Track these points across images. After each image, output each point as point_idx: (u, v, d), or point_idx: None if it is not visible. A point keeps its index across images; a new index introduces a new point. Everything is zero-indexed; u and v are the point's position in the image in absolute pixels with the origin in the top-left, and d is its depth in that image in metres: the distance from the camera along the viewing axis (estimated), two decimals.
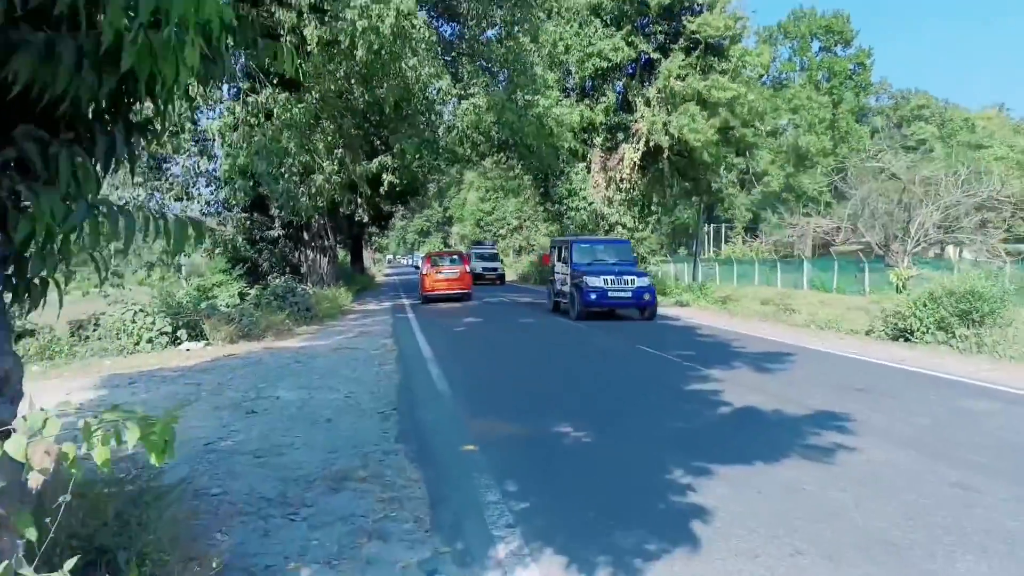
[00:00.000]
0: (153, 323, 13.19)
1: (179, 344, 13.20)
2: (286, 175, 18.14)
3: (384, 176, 18.68)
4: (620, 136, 30.69)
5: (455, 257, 26.58)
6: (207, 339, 13.53)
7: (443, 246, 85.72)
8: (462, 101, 19.04)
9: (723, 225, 61.21)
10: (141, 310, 13.52)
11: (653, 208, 34.46)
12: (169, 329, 13.24)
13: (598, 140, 30.62)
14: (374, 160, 18.72)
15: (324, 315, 18.09)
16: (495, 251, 45.26)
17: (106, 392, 8.85)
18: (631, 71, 30.93)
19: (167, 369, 10.60)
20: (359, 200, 19.80)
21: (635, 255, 22.47)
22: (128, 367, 10.90)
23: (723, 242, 67.27)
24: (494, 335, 14.84)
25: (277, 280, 18.43)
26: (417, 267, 34.33)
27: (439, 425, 6.96)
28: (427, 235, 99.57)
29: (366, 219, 19.96)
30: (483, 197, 56.28)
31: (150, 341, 13.05)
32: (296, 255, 23.66)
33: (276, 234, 22.65)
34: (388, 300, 26.03)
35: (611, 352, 12.22)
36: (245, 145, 14.94)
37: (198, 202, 19.47)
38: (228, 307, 16.14)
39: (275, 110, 15.96)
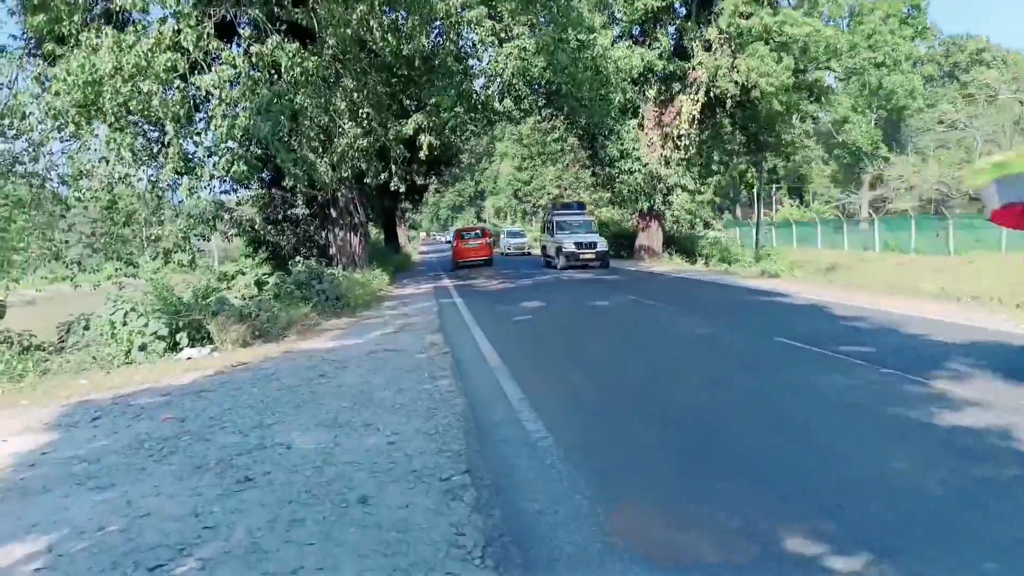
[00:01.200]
0: (146, 325, 10.65)
1: (179, 351, 10.66)
2: (301, 141, 15.45)
3: (421, 137, 15.87)
4: (676, 87, 27.39)
5: (478, 232, 34.15)
6: (214, 343, 10.96)
7: (476, 220, 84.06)
8: (503, 44, 16.10)
9: (772, 186, 57.34)
10: (132, 309, 11.00)
11: (713, 167, 31.13)
12: (166, 332, 10.69)
13: (651, 92, 27.36)
14: (409, 119, 15.91)
15: (357, 304, 15.47)
16: (587, 218, 29.95)
17: (56, 435, 6.28)
18: (686, 11, 27.55)
19: (154, 390, 8.03)
20: (393, 168, 16.96)
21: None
22: (107, 388, 8.36)
23: (773, 204, 63.41)
24: (569, 326, 11.99)
25: (300, 265, 15.80)
26: (451, 242, 37.15)
27: (554, 520, 3.94)
28: (460, 210, 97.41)
29: (402, 189, 16.96)
30: (520, 166, 53.23)
31: (143, 348, 10.53)
32: (323, 235, 21.06)
33: (299, 212, 20.05)
34: (429, 282, 23.39)
35: (755, 355, 8.71)
36: (248, 104, 12.23)
37: (202, 177, 16.92)
38: (244, 299, 13.60)
39: (283, 62, 13.23)
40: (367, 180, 17.42)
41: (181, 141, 12.34)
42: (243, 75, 12.53)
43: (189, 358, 10.33)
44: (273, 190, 20.82)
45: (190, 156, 13.40)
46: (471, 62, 16.69)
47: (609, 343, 9.99)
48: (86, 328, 11.84)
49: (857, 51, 26.28)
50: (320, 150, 17.04)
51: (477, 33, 15.94)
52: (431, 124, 16.19)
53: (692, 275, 21.04)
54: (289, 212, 20.18)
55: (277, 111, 12.49)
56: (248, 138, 12.57)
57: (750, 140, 31.42)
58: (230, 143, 12.59)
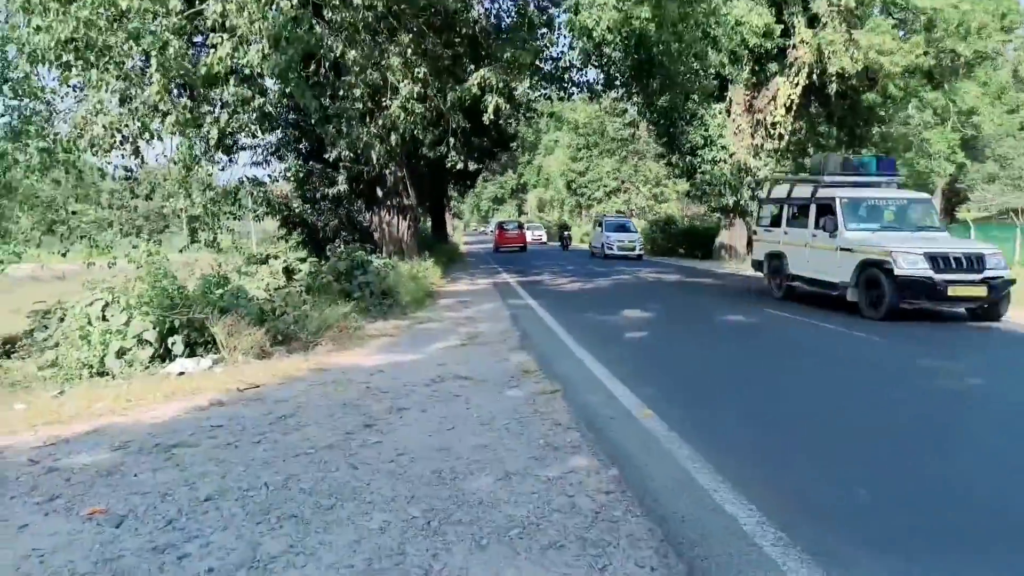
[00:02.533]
0: (127, 324, 7.76)
1: (170, 362, 7.76)
2: (344, 103, 12.52)
3: (488, 98, 12.75)
4: (772, 67, 23.90)
5: (516, 224, 43.26)
6: (219, 352, 8.04)
7: (518, 214, 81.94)
8: None
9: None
10: (115, 300, 8.14)
11: (806, 162, 27.51)
12: (153, 336, 7.78)
13: (741, 74, 23.87)
14: (474, 75, 12.82)
15: (407, 302, 12.50)
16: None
17: None
18: None
19: (108, 432, 5.12)
20: (451, 141, 13.93)
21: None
22: (41, 422, 5.47)
23: None
24: (720, 356, 8.70)
25: (339, 250, 12.87)
26: (493, 231, 45.64)
27: None
28: (501, 202, 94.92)
29: (460, 166, 13.92)
30: (575, 156, 49.92)
31: (122, 355, 7.64)
32: (367, 217, 18.19)
33: (340, 190, 17.15)
34: (485, 276, 20.35)
35: None
36: (259, 27, 9.29)
37: (235, 152, 14.24)
38: (268, 291, 10.70)
39: None
40: (423, 151, 14.41)
41: (169, 77, 9.41)
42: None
43: (182, 373, 7.40)
44: (312, 163, 17.97)
45: (191, 107, 10.55)
46: (554, 11, 13.53)
47: (824, 399, 6.34)
48: (61, 319, 9.03)
49: (988, 32, 22.51)
50: (367, 116, 14.15)
51: None
52: (500, 84, 13.09)
53: None
54: (329, 190, 17.30)
55: (298, 41, 9.53)
56: (258, 78, 9.65)
57: (848, 134, 27.80)
58: (232, 88, 9.67)
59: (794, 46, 23.04)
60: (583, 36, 12.65)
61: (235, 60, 9.41)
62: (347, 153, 13.45)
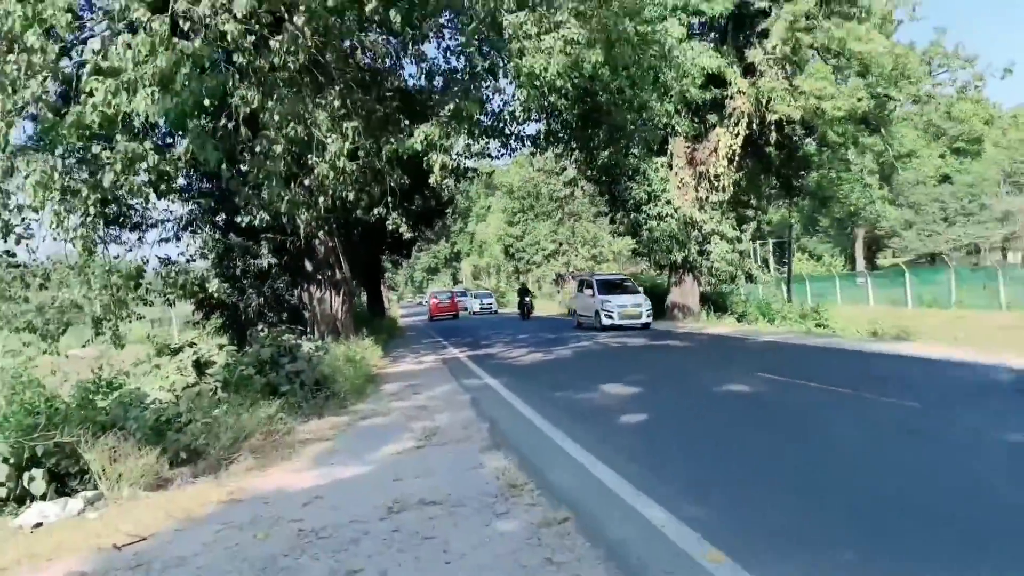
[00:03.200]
0: None
1: (23, 509, 5.71)
2: (263, 162, 10.85)
3: (433, 157, 11.24)
4: (712, 119, 23.38)
5: (448, 294, 45.20)
6: (98, 487, 6.03)
7: (453, 283, 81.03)
8: (544, 36, 11.76)
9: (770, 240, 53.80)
10: None
11: (749, 213, 27.05)
12: (4, 473, 5.75)
13: (683, 124, 23.20)
14: (417, 132, 11.32)
15: (346, 391, 10.61)
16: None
17: None
18: (717, 35, 23.80)
19: None
20: (390, 201, 12.35)
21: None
22: None
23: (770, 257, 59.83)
24: (736, 438, 7.08)
25: (263, 334, 10.96)
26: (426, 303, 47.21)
27: None
28: (435, 272, 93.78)
29: (402, 230, 12.27)
30: (511, 220, 48.99)
31: None
32: (295, 294, 16.27)
33: (264, 264, 15.26)
34: (430, 351, 18.50)
35: None
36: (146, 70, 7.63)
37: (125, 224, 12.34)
38: (173, 394, 8.72)
39: (230, 33, 8.71)
40: (357, 215, 12.76)
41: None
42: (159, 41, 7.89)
43: (39, 524, 5.39)
44: (230, 236, 16.06)
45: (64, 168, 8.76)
46: (497, 60, 12.27)
47: (876, 489, 5.15)
48: None
49: (918, 76, 22.58)
50: (291, 178, 12.48)
51: (510, 21, 11.67)
52: (444, 140, 11.63)
53: (771, 338, 16.51)
54: (252, 264, 15.39)
55: (197, 82, 7.90)
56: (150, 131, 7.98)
57: (784, 184, 27.54)
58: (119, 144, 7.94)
59: (731, 96, 22.59)
60: (529, 83, 11.43)
61: (116, 106, 7.65)
62: (266, 218, 11.67)
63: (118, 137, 8.45)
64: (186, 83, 8.22)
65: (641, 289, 24.42)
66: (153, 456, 6.44)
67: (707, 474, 5.59)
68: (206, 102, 11.03)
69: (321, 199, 11.98)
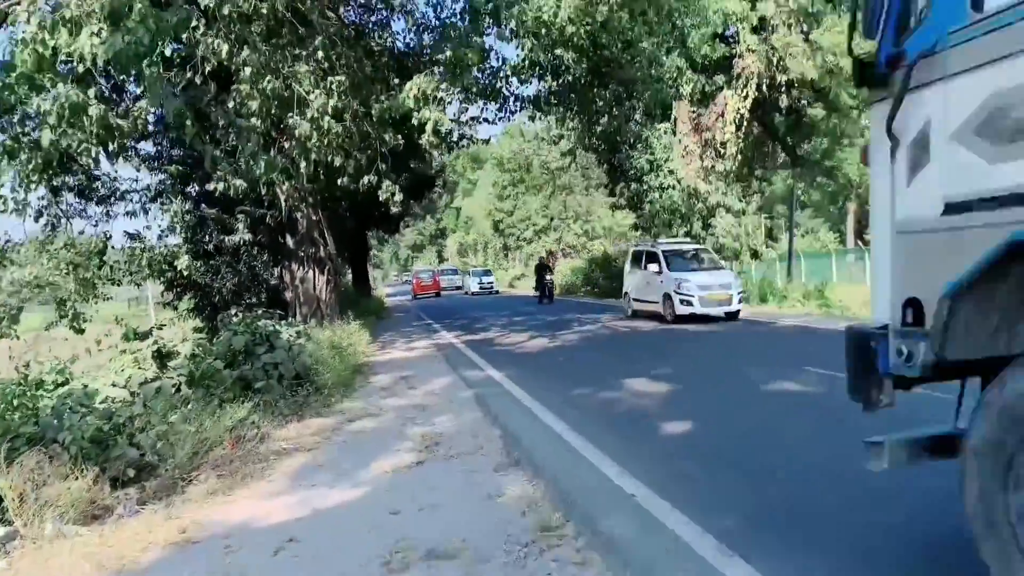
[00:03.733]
0: None
1: None
2: (238, 124, 9.46)
3: (426, 113, 9.85)
4: (719, 80, 22.05)
5: (430, 273, 47.83)
6: (11, 522, 4.75)
7: (438, 260, 79.84)
8: None
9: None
10: None
11: (754, 184, 25.85)
12: None
13: (686, 88, 21.83)
14: (409, 85, 9.92)
15: (333, 383, 9.33)
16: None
17: None
18: None
19: None
20: (381, 167, 10.99)
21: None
22: None
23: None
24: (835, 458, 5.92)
25: (235, 320, 9.63)
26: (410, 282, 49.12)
27: None
28: (421, 249, 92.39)
29: (397, 197, 10.85)
30: (500, 194, 47.48)
31: None
32: (275, 272, 14.92)
33: (240, 240, 13.89)
34: (422, 335, 17.17)
35: None
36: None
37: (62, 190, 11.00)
38: (132, 390, 7.44)
39: None
40: (343, 183, 11.39)
41: None
42: None
43: None
44: (203, 207, 14.64)
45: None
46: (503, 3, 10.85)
47: None
48: None
49: None
50: (269, 141, 11.12)
51: None
52: (439, 93, 10.24)
53: (793, 321, 15.34)
54: (226, 241, 14.00)
55: (145, 19, 6.50)
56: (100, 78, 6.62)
57: (790, 153, 26.33)
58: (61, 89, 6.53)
59: (740, 55, 21.26)
60: (536, 28, 10.08)
61: (54, 47, 6.27)
62: (243, 186, 10.29)
63: (60, 87, 7.01)
64: (140, 19, 6.81)
65: (724, 263, 19.40)
66: (90, 477, 5.16)
67: (814, 526, 4.34)
68: (168, 51, 9.61)
69: (303, 165, 10.58)
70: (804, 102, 24.48)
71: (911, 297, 2.81)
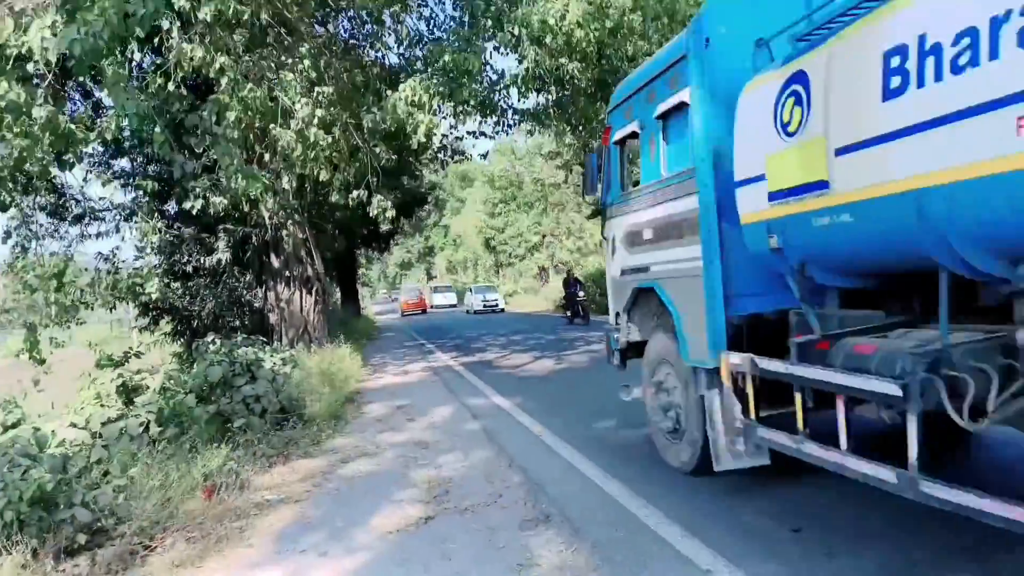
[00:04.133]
0: None
1: None
2: (207, 115, 8.57)
3: (419, 116, 8.98)
4: None
5: (416, 291, 48.62)
6: None
7: (427, 278, 79.05)
8: None
9: None
10: None
11: None
12: None
13: None
14: (401, 88, 9.06)
15: (323, 416, 8.40)
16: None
17: None
18: None
19: None
20: (371, 181, 10.14)
21: None
22: None
23: None
24: None
25: (214, 346, 8.68)
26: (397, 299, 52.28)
27: None
28: (409, 267, 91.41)
29: (389, 214, 9.97)
30: (492, 212, 46.65)
31: None
32: (258, 294, 14.00)
33: (219, 260, 12.97)
34: (416, 356, 16.22)
35: None
36: None
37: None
38: (95, 430, 6.50)
39: None
40: (332, 199, 10.55)
41: None
42: None
43: None
44: (179, 227, 13.70)
45: None
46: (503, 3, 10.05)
47: None
48: None
49: None
50: (251, 154, 10.26)
51: None
52: (435, 97, 9.38)
53: None
54: (205, 261, 13.06)
55: (105, 10, 5.64)
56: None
57: None
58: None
59: None
60: (542, 32, 9.28)
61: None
62: (221, 202, 9.41)
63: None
64: (100, 12, 5.93)
65: None
66: (27, 550, 4.23)
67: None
68: (137, 55, 8.77)
69: (286, 179, 9.71)
70: None
71: (617, 312, 6.16)
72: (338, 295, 29.31)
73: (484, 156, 18.63)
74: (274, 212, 12.67)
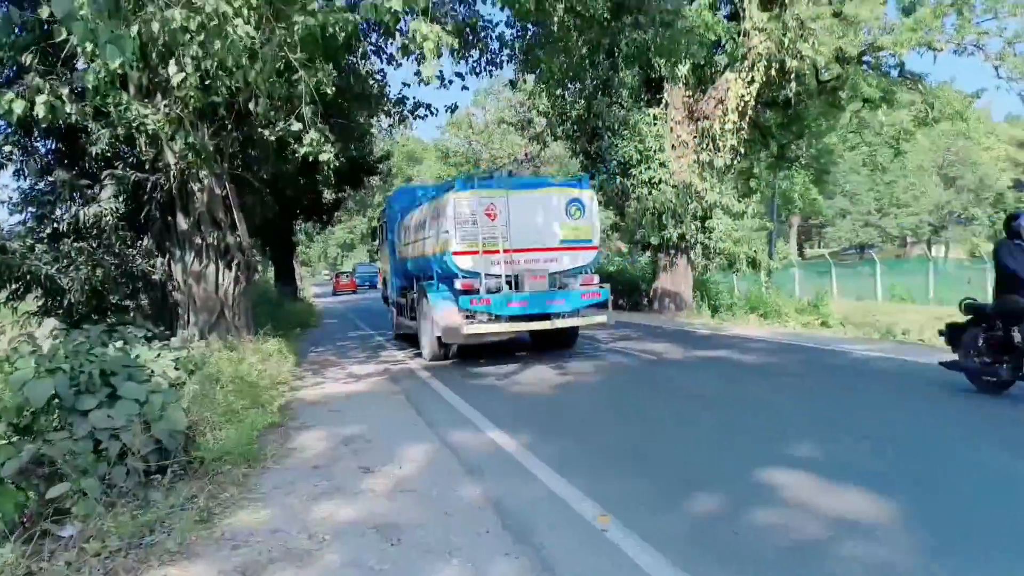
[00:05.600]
0: None
1: None
2: None
3: (422, 30, 5.93)
4: (720, 61, 18.72)
5: (348, 272, 53.54)
6: None
7: (370, 260, 75.83)
8: None
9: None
10: None
11: (752, 184, 22.64)
12: None
13: (682, 68, 18.40)
14: None
15: (227, 462, 5.26)
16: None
17: None
18: None
19: None
20: (306, 112, 6.95)
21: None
22: None
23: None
24: None
25: (44, 342, 5.44)
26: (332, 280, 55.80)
27: None
28: (351, 248, 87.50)
29: (326, 156, 6.78)
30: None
31: None
32: (158, 264, 10.66)
33: (103, 212, 9.63)
34: (364, 354, 12.93)
35: None
36: None
37: None
38: None
39: None
40: (264, 136, 7.40)
41: None
42: None
43: None
44: (57, 172, 10.25)
45: None
46: None
47: None
48: None
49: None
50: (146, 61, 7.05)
51: None
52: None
53: (850, 346, 11.87)
54: (83, 216, 9.63)
55: None
56: None
57: (778, 151, 23.31)
58: None
59: (745, 33, 17.98)
60: None
61: None
62: (101, 132, 6.16)
63: None
64: None
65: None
66: None
67: None
68: None
69: (172, 68, 6.50)
70: (803, 96, 21.48)
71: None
72: (272, 273, 25.70)
73: (452, 110, 15.28)
74: (182, 154, 9.37)
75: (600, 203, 21.18)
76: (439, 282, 10.87)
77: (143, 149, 9.67)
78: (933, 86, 19.95)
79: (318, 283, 74.17)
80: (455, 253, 10.01)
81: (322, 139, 7.40)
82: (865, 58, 20.16)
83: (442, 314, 10.30)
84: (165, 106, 8.91)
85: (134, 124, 8.60)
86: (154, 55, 9.67)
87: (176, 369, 6.71)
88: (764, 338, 13.27)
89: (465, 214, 10.01)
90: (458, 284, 10.15)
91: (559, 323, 10.39)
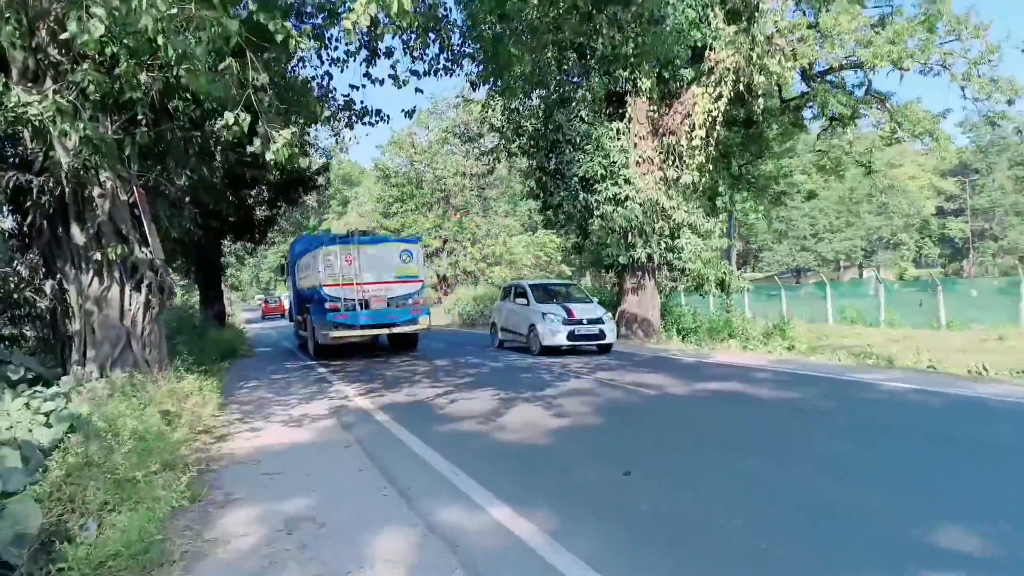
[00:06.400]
0: None
1: None
2: None
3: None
4: (686, 75, 17.66)
5: (278, 298, 50.18)
6: None
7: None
8: None
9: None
10: None
11: (718, 202, 21.63)
12: None
13: (645, 82, 17.30)
14: None
15: (123, 559, 3.48)
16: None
17: None
18: None
19: None
20: (253, 99, 5.22)
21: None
22: None
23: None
24: None
25: None
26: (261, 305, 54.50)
27: None
28: (284, 272, 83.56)
29: (272, 154, 5.09)
30: (386, 211, 41.28)
31: None
32: (51, 286, 8.68)
33: None
34: (307, 390, 10.89)
35: None
36: None
37: None
38: None
39: None
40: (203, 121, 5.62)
41: None
42: None
43: None
44: None
45: None
46: None
47: None
48: None
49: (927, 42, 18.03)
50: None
51: None
52: None
53: (835, 374, 10.65)
54: None
55: None
56: None
57: (737, 170, 22.50)
58: None
59: (710, 46, 17.00)
60: None
61: None
62: None
63: None
64: None
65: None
66: None
67: None
68: None
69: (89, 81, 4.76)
70: (766, 115, 20.70)
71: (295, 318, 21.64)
72: (197, 298, 23.36)
73: (410, 115, 13.72)
74: (76, 151, 7.50)
75: (559, 223, 20.02)
76: (317, 304, 15.63)
77: (27, 145, 7.76)
78: (899, 104, 19.40)
79: (249, 308, 70.55)
80: (325, 285, 14.95)
81: (279, 134, 5.71)
82: (829, 77, 19.55)
83: (318, 325, 15.56)
84: (55, 92, 7.05)
85: (15, 114, 6.76)
86: (43, 31, 7.82)
87: (49, 426, 4.86)
88: (759, 366, 11.99)
89: (332, 260, 14.99)
90: (328, 305, 14.95)
91: (396, 329, 15.52)
